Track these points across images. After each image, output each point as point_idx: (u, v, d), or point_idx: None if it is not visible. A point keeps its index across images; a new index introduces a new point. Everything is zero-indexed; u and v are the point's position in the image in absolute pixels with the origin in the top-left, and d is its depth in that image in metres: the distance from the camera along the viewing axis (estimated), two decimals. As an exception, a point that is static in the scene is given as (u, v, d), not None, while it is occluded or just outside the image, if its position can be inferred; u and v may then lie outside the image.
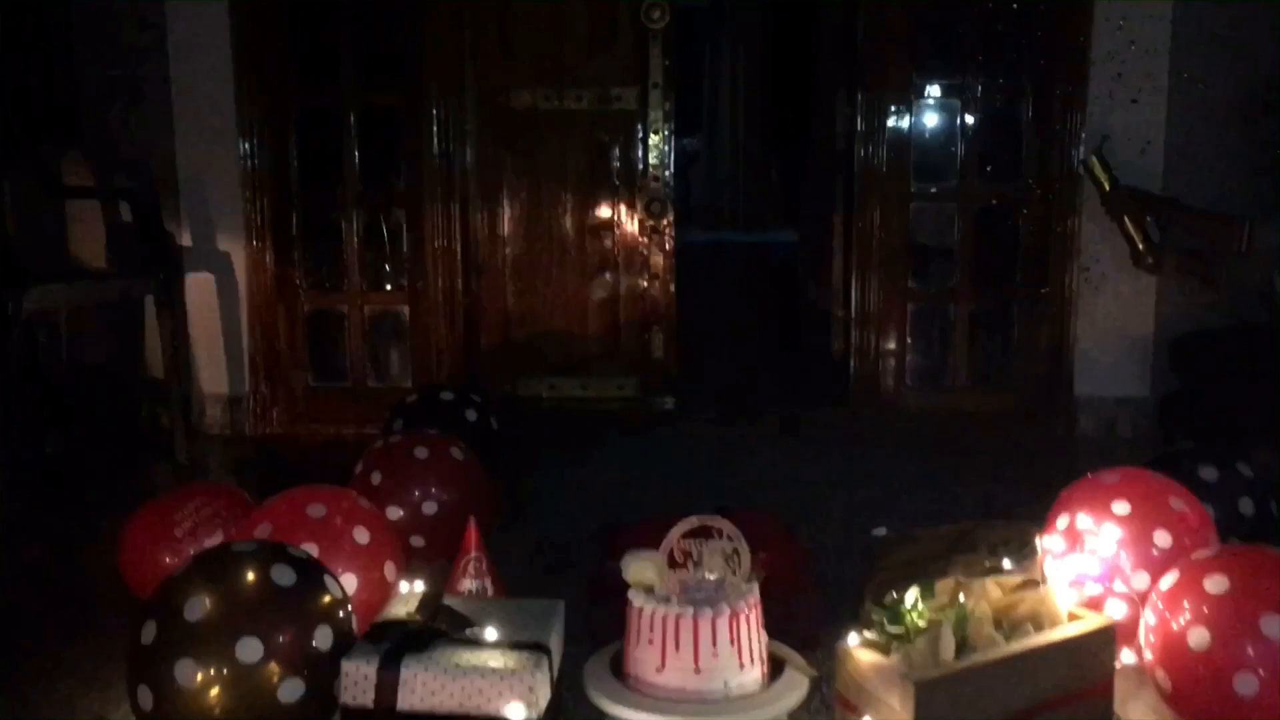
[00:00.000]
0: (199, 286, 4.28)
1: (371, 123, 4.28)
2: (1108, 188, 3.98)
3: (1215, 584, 1.84)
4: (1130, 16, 4.05)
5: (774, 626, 2.00)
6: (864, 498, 3.38)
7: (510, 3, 4.26)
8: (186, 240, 4.25)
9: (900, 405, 4.30)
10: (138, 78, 4.17)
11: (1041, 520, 2.42)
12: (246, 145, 4.20)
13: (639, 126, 4.28)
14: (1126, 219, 3.98)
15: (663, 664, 1.89)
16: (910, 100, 4.26)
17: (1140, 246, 3.93)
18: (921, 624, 1.81)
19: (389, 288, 4.34)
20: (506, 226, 4.40)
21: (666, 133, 4.27)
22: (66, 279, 3.76)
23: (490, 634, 1.85)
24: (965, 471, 3.64)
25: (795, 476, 3.63)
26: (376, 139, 4.29)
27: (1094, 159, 3.99)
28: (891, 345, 4.33)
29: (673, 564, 1.96)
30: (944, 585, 1.94)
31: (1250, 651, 1.77)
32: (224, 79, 4.16)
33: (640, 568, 1.97)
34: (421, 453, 2.81)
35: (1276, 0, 3.98)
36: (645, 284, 4.38)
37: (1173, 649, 1.86)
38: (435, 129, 4.23)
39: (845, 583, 2.55)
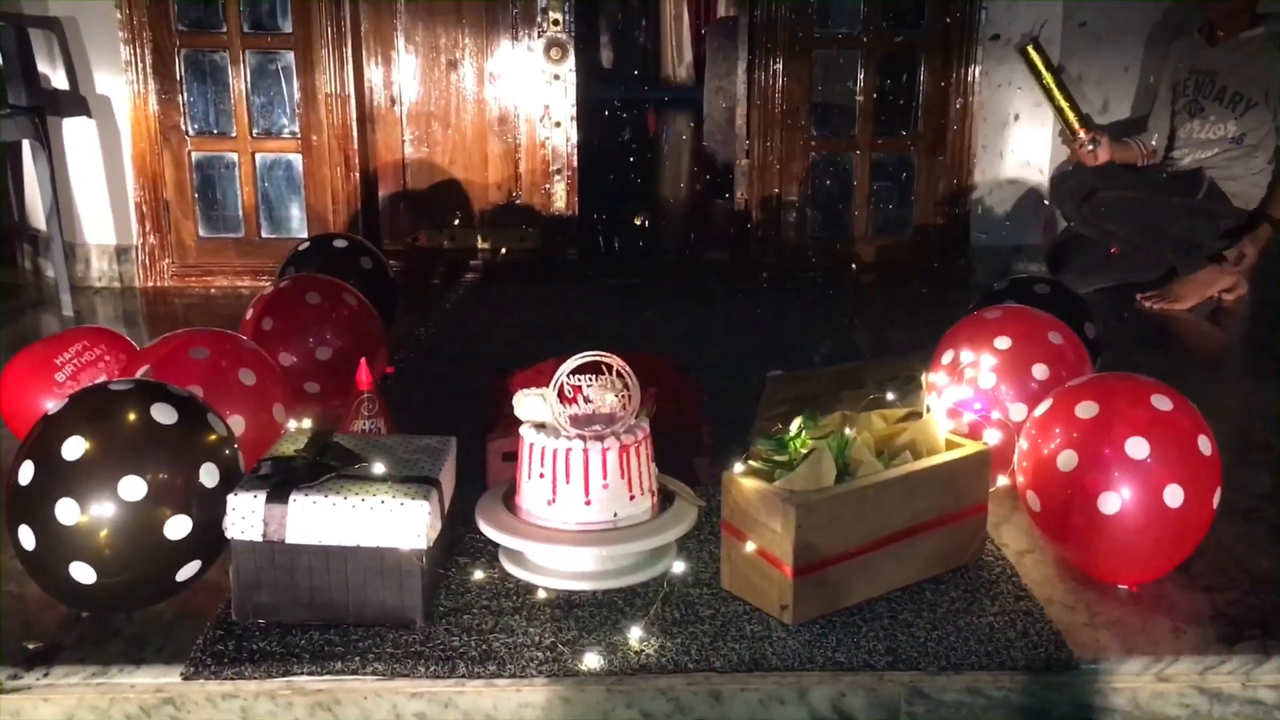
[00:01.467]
0: (78, 132, 4.09)
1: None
2: (1045, 74, 4.00)
3: (1085, 409, 1.91)
4: None
5: (664, 461, 2.04)
6: (760, 343, 3.42)
7: None
8: (61, 82, 4.04)
9: (801, 254, 4.33)
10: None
11: (929, 358, 2.48)
12: (122, -18, 3.98)
13: (538, -35, 4.14)
14: (1065, 105, 4.01)
15: (554, 497, 1.91)
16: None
17: (1081, 133, 3.96)
18: (804, 451, 1.85)
19: (281, 135, 4.19)
20: (401, 72, 4.26)
21: (567, -29, 4.14)
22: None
23: (379, 468, 1.85)
24: (861, 317, 3.70)
25: (693, 325, 3.65)
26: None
27: (1030, 46, 4.00)
28: (793, 196, 4.34)
29: (563, 399, 1.96)
30: (830, 419, 1.98)
31: (1115, 472, 1.84)
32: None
33: (531, 404, 1.97)
34: (314, 298, 2.76)
35: None
36: (546, 133, 4.30)
37: (1043, 471, 1.93)
38: (323, -35, 4.04)
39: (736, 421, 2.60)
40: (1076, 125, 4.00)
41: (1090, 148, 3.88)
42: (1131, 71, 4.22)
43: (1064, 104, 4.02)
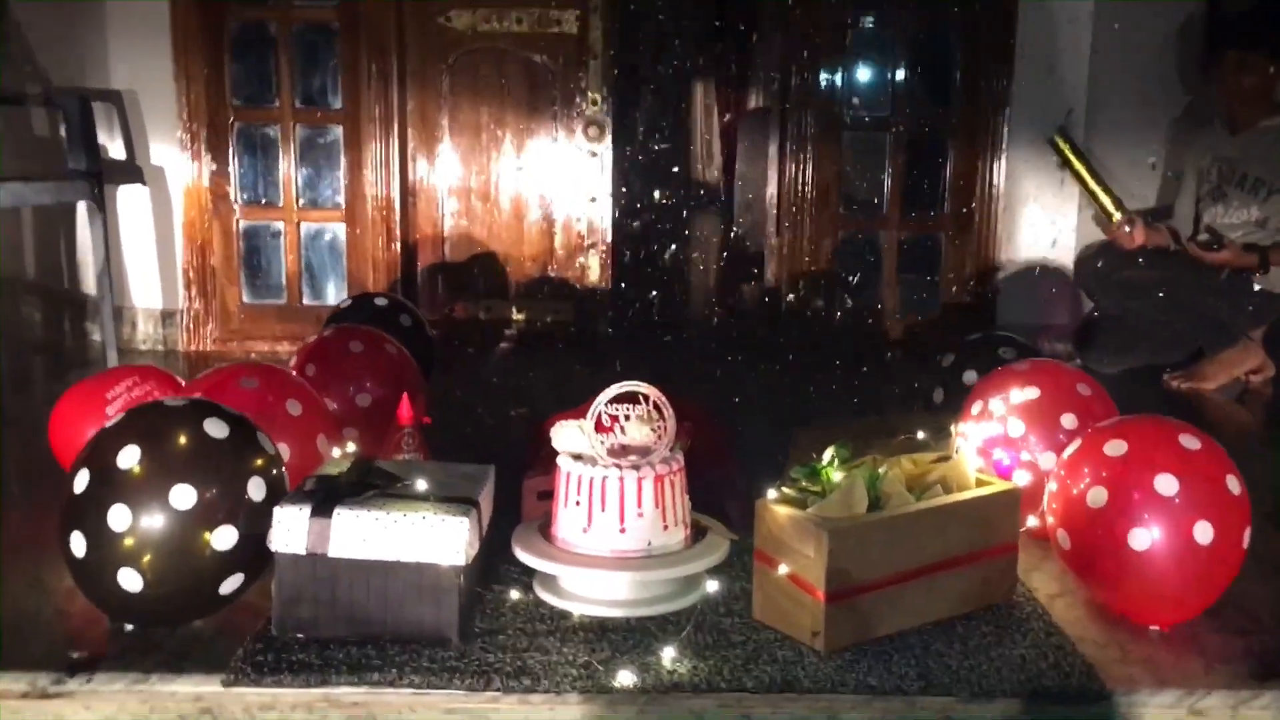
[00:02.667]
0: (131, 199, 4.24)
1: (308, 39, 4.26)
2: (1075, 161, 4.11)
3: (1114, 447, 1.94)
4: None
5: (696, 501, 2.08)
6: (790, 409, 3.46)
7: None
8: (119, 152, 4.20)
9: (830, 331, 4.40)
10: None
11: (958, 413, 2.52)
12: (181, 60, 4.16)
13: (579, 50, 4.30)
14: (1098, 189, 4.11)
15: (589, 524, 1.95)
16: (846, 36, 4.34)
17: (1116, 215, 4.05)
18: (837, 479, 1.88)
19: (325, 205, 4.33)
20: (444, 147, 4.41)
21: (606, 57, 4.30)
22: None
23: (421, 487, 1.90)
24: (890, 387, 3.74)
25: (724, 391, 3.70)
26: (313, 54, 4.27)
27: (1058, 135, 4.12)
28: (822, 274, 4.43)
29: (600, 430, 2.01)
30: (862, 459, 2.02)
31: (1144, 508, 1.86)
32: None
33: (569, 434, 2.02)
34: (356, 346, 2.84)
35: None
36: (582, 208, 4.42)
37: (1073, 509, 1.96)
38: (373, 47, 4.22)
39: (767, 472, 2.63)
40: (1112, 208, 4.08)
41: (1127, 229, 3.95)
42: (1155, 163, 4.32)
43: (1096, 188, 4.12)
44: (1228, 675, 1.81)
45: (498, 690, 1.74)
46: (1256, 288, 3.87)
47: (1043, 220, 4.28)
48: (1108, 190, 4.13)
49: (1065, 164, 4.17)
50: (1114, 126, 4.24)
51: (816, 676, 1.76)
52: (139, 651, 1.84)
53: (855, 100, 4.42)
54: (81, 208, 4.08)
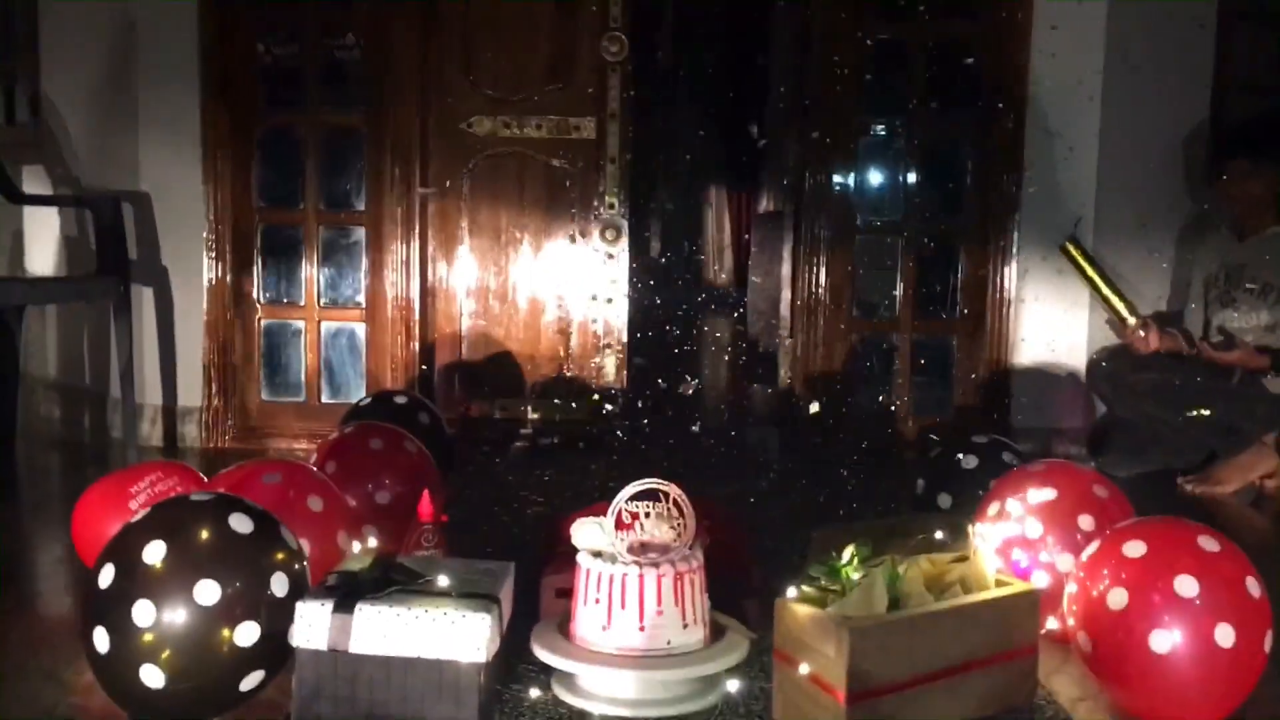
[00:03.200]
0: (152, 298, 4.31)
1: (333, 142, 4.38)
2: (1087, 267, 4.18)
3: (1133, 549, 1.95)
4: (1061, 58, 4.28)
5: (714, 601, 2.08)
6: (805, 510, 3.47)
7: (474, 31, 4.40)
8: (144, 252, 4.29)
9: (844, 432, 4.41)
10: (104, 93, 4.25)
11: (973, 513, 2.53)
12: (210, 162, 4.28)
13: (597, 155, 4.41)
14: (1111, 295, 4.16)
15: (609, 623, 1.96)
16: (858, 142, 4.45)
17: (1130, 320, 4.09)
18: (856, 578, 1.89)
19: (346, 304, 4.41)
20: (463, 249, 4.49)
21: (624, 161, 4.40)
22: (28, 280, 3.78)
23: (442, 581, 1.91)
24: (906, 490, 3.74)
25: (739, 492, 3.71)
26: (338, 158, 4.38)
27: (1069, 243, 4.19)
28: (835, 376, 4.46)
29: (620, 527, 2.02)
30: (881, 559, 2.03)
31: (1165, 610, 1.86)
32: (190, 95, 4.24)
33: (589, 532, 2.04)
34: (376, 444, 2.87)
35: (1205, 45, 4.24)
36: (598, 309, 4.48)
37: (1093, 611, 1.95)
38: (396, 152, 4.33)
39: (784, 572, 2.63)
40: (1126, 313, 4.11)
41: (1142, 334, 3.98)
42: (1164, 268, 4.38)
43: (1110, 294, 4.15)
44: (1254, 782, 1.79)
45: (517, 791, 1.72)
46: (1270, 390, 3.89)
47: (1053, 324, 4.32)
48: (1121, 295, 4.17)
49: (1078, 271, 4.22)
50: (1123, 233, 4.30)
51: (838, 780, 1.74)
52: (157, 749, 1.83)
53: (867, 205, 4.51)
54: (103, 308, 4.15)
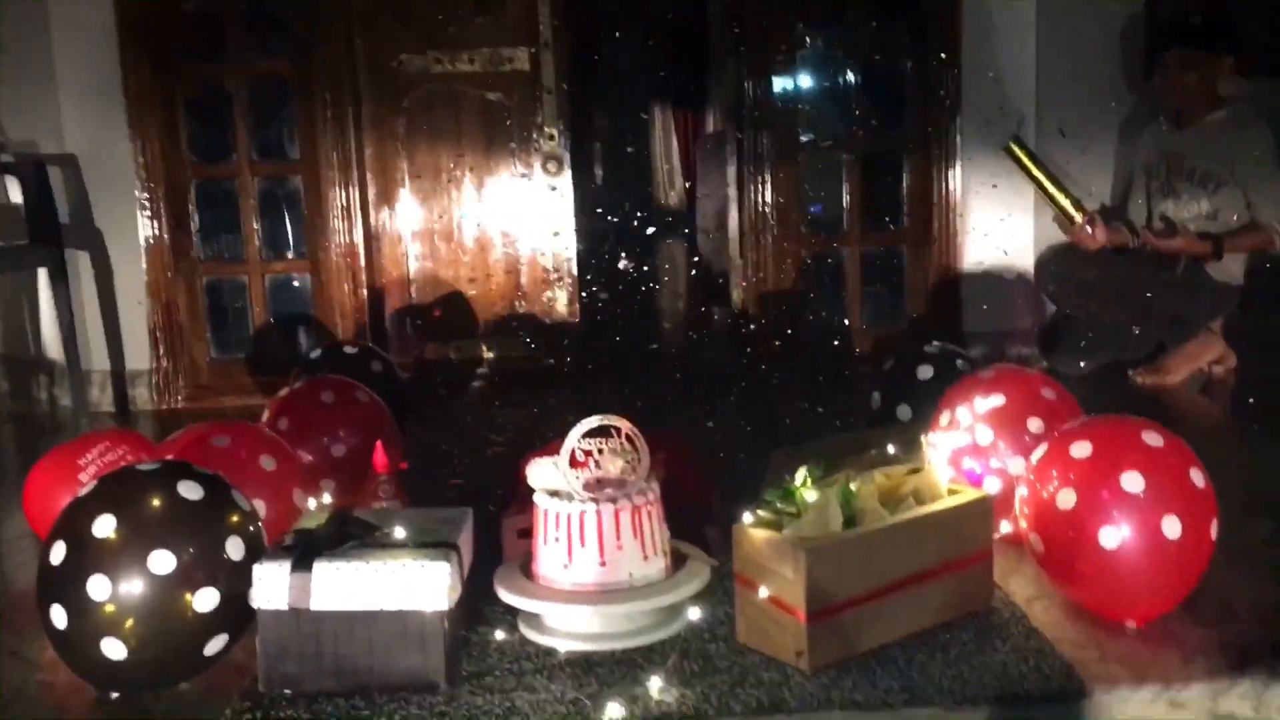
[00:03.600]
0: (91, 262, 4.23)
1: (261, 91, 4.28)
2: (1032, 167, 4.15)
3: (1079, 449, 1.98)
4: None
5: (674, 529, 2.09)
6: (763, 433, 3.48)
7: (398, -33, 4.30)
8: (77, 215, 4.19)
9: (798, 350, 4.43)
10: (18, 54, 4.11)
11: (928, 422, 2.56)
12: (136, 120, 4.16)
13: (533, 86, 4.34)
14: (1056, 192, 4.14)
15: (569, 560, 1.97)
16: (796, 57, 4.41)
17: (1076, 217, 4.08)
18: (811, 499, 1.91)
19: (289, 256, 4.34)
20: (404, 190, 4.43)
21: (560, 91, 4.33)
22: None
23: (399, 533, 1.91)
24: (863, 404, 3.77)
25: (697, 417, 3.72)
26: (267, 107, 4.29)
27: (1012, 142, 4.16)
28: (787, 294, 4.47)
29: (575, 465, 2.03)
30: (835, 476, 2.05)
31: (1112, 506, 1.90)
32: (110, 52, 4.12)
33: (544, 472, 2.04)
34: (328, 397, 2.84)
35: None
36: (546, 243, 4.44)
37: (1044, 512, 1.99)
38: (327, 96, 4.24)
39: (743, 496, 2.66)
40: (1072, 210, 4.11)
41: (1089, 230, 4.00)
42: (1106, 163, 4.39)
43: (1055, 192, 4.14)
44: (1205, 667, 1.84)
45: (488, 733, 1.74)
46: (1214, 278, 3.94)
47: (1000, 227, 4.34)
48: (1066, 192, 4.17)
49: (1022, 170, 4.21)
50: (1065, 129, 4.30)
51: (803, 696, 1.77)
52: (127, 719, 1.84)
53: (809, 119, 4.47)
54: (42, 274, 4.07)
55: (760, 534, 1.89)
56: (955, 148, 4.31)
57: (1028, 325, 4.37)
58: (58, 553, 1.83)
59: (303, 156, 4.29)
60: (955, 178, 4.32)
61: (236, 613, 1.86)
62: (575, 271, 4.44)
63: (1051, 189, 4.12)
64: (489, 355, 4.48)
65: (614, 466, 2.03)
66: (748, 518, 1.93)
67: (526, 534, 2.17)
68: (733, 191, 4.59)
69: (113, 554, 1.80)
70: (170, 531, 1.83)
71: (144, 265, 4.22)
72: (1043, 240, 4.33)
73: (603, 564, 1.95)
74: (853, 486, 1.97)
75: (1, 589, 2.45)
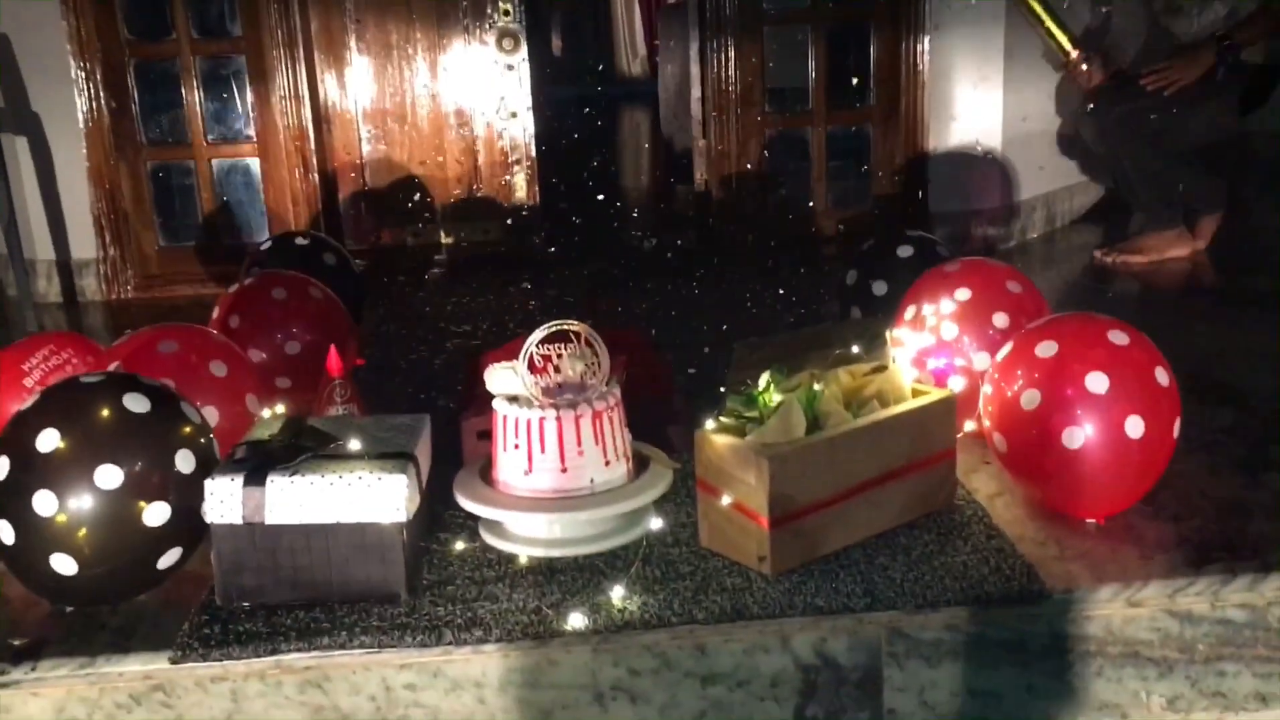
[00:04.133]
0: (29, 147, 4.06)
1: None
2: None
3: (1045, 349, 1.96)
4: None
5: (637, 429, 2.06)
6: (727, 319, 3.45)
7: None
8: (11, 99, 4.01)
9: (762, 231, 4.37)
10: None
11: (892, 315, 2.53)
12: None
13: (485, -42, 4.16)
14: (1053, 27, 3.99)
15: (530, 467, 1.93)
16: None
17: (1072, 53, 3.94)
18: (773, 405, 1.88)
19: (236, 139, 4.19)
20: (354, 70, 4.26)
21: (513, -37, 4.16)
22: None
23: (355, 445, 1.86)
24: (824, 287, 3.73)
25: (659, 305, 3.68)
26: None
27: None
28: (751, 174, 4.38)
29: (534, 370, 1.98)
30: (798, 376, 2.02)
31: (1077, 407, 1.89)
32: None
33: (502, 377, 1.99)
34: (280, 294, 2.77)
35: None
36: (503, 124, 4.31)
37: (1008, 412, 1.98)
38: (269, -31, 4.03)
39: (707, 390, 2.63)
40: (1069, 46, 3.98)
41: (1084, 67, 3.88)
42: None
43: (1052, 26, 4.00)
44: (1164, 564, 1.86)
45: (449, 644, 1.74)
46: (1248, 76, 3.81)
47: (969, 103, 4.24)
48: (1064, 28, 4.02)
49: (1019, 4, 4.05)
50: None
51: (765, 602, 1.78)
52: (83, 633, 1.81)
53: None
54: (-22, 160, 3.91)
55: (723, 440, 1.86)
56: (925, 16, 4.17)
57: (996, 205, 4.32)
58: (2, 468, 1.78)
59: (245, 34, 4.09)
60: (924, 52, 4.20)
61: (189, 526, 1.83)
62: (534, 154, 4.32)
63: (1048, 22, 3.98)
64: (447, 241, 4.39)
65: (573, 370, 1.98)
66: (710, 424, 1.90)
67: (486, 435, 2.13)
68: (695, 69, 4.45)
69: (58, 469, 1.75)
70: (117, 446, 1.78)
71: (84, 150, 4.05)
72: (1012, 119, 4.24)
73: (564, 470, 1.92)
74: (816, 388, 1.94)
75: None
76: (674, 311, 3.57)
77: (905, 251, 2.84)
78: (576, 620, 1.75)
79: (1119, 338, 1.95)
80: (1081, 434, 1.89)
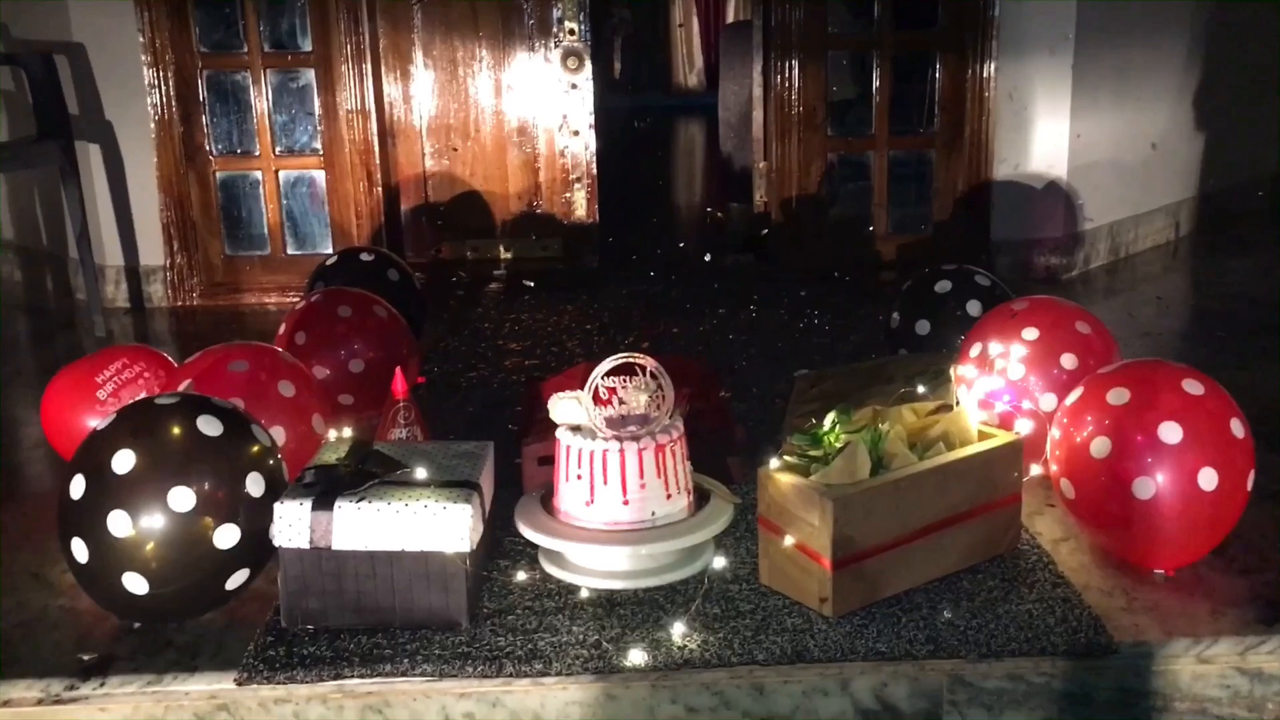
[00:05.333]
0: (104, 155, 4.14)
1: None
2: None
3: (1117, 396, 1.93)
4: None
5: (697, 461, 2.06)
6: (785, 345, 3.44)
7: None
8: (87, 107, 4.09)
9: (821, 254, 4.35)
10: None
11: (957, 351, 2.51)
12: (145, 11, 4.02)
13: (552, -22, 4.18)
14: None
15: (592, 498, 1.94)
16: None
17: None
18: (838, 445, 1.87)
19: (302, 151, 4.24)
20: (420, 85, 4.30)
21: (581, -17, 4.18)
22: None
23: (421, 474, 1.88)
24: (883, 309, 3.71)
25: (717, 327, 3.67)
26: (279, -3, 4.14)
27: None
28: (811, 196, 4.36)
29: (598, 402, 1.99)
30: (862, 414, 2.01)
31: (1149, 457, 1.86)
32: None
33: (567, 407, 2.00)
34: (345, 311, 2.80)
35: None
36: (565, 141, 4.33)
37: (1076, 458, 1.95)
38: (341, -15, 4.09)
39: (766, 421, 2.63)
40: None
41: None
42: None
43: None
44: (1235, 620, 1.82)
45: (509, 675, 1.74)
46: None
47: (1037, 129, 4.19)
48: None
49: None
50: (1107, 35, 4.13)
51: (826, 644, 1.77)
52: (150, 650, 1.84)
53: (838, 12, 4.30)
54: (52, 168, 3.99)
55: (786, 479, 1.86)
56: (992, 47, 4.13)
57: (1059, 234, 4.27)
58: (77, 486, 1.82)
59: (315, 48, 4.15)
60: (990, 77, 4.16)
61: (257, 548, 1.85)
62: (594, 172, 4.33)
63: None
64: (505, 256, 4.42)
65: (638, 403, 1.99)
66: (774, 463, 1.89)
67: (547, 461, 2.14)
68: (758, 90, 4.44)
69: (133, 490, 1.79)
70: (190, 468, 1.81)
71: (154, 159, 4.12)
72: (1079, 146, 4.19)
73: (625, 502, 1.93)
74: (882, 428, 1.93)
75: (23, 507, 2.44)
76: (730, 335, 3.57)
77: (943, 286, 2.84)
78: (636, 656, 1.75)
79: (1193, 387, 1.92)
80: (1153, 484, 1.86)
